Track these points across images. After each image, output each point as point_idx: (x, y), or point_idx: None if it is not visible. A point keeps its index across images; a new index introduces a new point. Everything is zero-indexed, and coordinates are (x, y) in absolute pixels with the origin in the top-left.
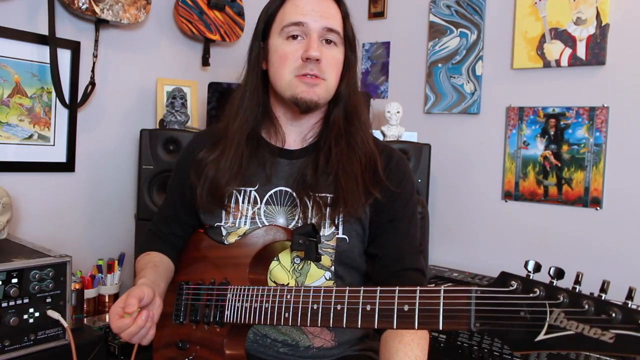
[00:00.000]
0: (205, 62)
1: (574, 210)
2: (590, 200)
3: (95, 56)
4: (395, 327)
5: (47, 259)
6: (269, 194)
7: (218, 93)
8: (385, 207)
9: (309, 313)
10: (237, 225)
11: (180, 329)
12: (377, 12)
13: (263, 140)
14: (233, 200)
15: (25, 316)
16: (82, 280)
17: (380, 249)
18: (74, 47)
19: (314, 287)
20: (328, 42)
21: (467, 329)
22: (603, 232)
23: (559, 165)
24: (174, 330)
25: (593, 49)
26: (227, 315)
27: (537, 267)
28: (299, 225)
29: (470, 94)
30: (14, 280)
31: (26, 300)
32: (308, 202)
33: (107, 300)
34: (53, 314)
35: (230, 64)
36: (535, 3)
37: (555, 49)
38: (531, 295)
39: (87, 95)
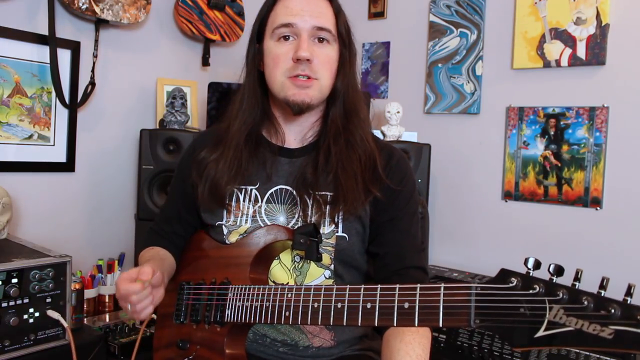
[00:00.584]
0: (205, 62)
1: (574, 210)
2: (590, 200)
3: (95, 56)
4: (395, 324)
5: (47, 259)
6: (269, 192)
7: (218, 93)
8: (385, 206)
9: (310, 311)
10: (238, 223)
11: (181, 329)
12: (377, 12)
13: (264, 139)
14: (234, 199)
15: (25, 316)
16: (82, 280)
17: (381, 248)
18: (74, 47)
19: (314, 285)
20: (320, 40)
21: (467, 325)
22: (603, 232)
23: (559, 165)
24: (174, 331)
25: (593, 49)
26: (227, 314)
27: (537, 265)
28: (299, 223)
29: (470, 94)
30: (14, 280)
31: (26, 300)
32: (308, 200)
33: (107, 300)
34: (53, 314)
35: (230, 64)
36: (535, 3)
37: (555, 49)
38: (531, 291)
39: (87, 95)
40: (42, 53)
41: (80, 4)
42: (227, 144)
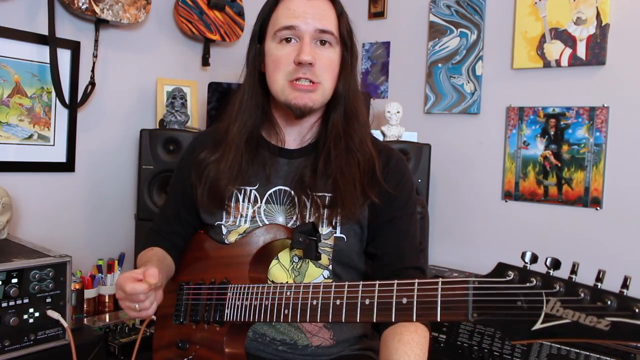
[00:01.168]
0: (205, 62)
1: (574, 210)
2: (590, 200)
3: (95, 56)
4: (393, 319)
5: (47, 259)
6: (268, 192)
7: (218, 93)
8: (383, 208)
9: (309, 309)
10: (237, 223)
11: (180, 329)
12: (377, 12)
13: (263, 140)
14: (233, 199)
15: (25, 316)
16: (82, 280)
17: (379, 249)
18: (74, 47)
19: (313, 283)
20: (322, 43)
21: (465, 319)
22: (603, 232)
23: (559, 165)
24: (174, 331)
25: (593, 49)
26: (227, 314)
27: (534, 258)
28: (297, 224)
29: (470, 94)
30: (14, 280)
31: (26, 300)
32: (306, 202)
33: (107, 300)
34: (53, 314)
35: (230, 64)
36: (535, 3)
37: (555, 49)
38: (528, 285)
39: (87, 95)
40: (42, 53)
41: (80, 4)
42: (227, 146)
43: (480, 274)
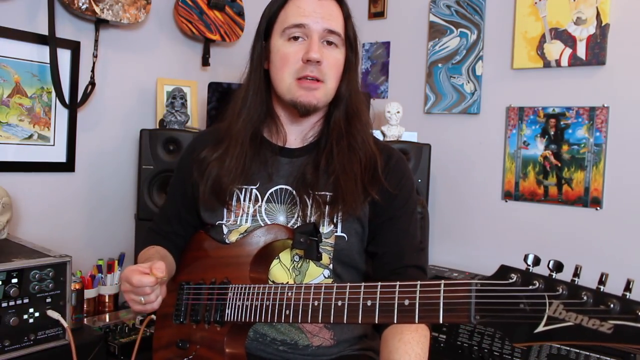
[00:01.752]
0: (205, 62)
1: (574, 210)
2: (590, 200)
3: (95, 56)
4: (395, 321)
5: (47, 259)
6: (269, 191)
7: (218, 93)
8: (384, 206)
9: (310, 310)
10: (238, 223)
11: (181, 329)
12: (377, 12)
13: (265, 139)
14: (234, 198)
15: (25, 316)
16: (82, 280)
17: (380, 247)
18: (74, 47)
19: (314, 284)
20: (329, 43)
21: (467, 321)
22: (603, 232)
23: (559, 165)
24: (174, 331)
25: (593, 49)
26: (227, 314)
27: (537, 261)
28: (299, 222)
29: (470, 94)
30: (14, 280)
31: (26, 300)
32: (307, 200)
33: (107, 300)
34: (53, 314)
35: (230, 64)
36: (535, 3)
37: (555, 49)
38: (530, 287)
39: (87, 95)
40: (42, 53)
41: (80, 4)
42: (231, 142)
43: (480, 274)
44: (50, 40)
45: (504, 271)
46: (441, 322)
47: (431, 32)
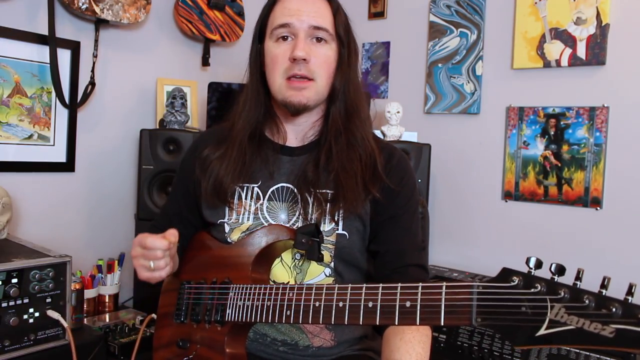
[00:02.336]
0: (205, 62)
1: (574, 210)
2: (590, 200)
3: (95, 56)
4: (397, 323)
5: (47, 259)
6: (271, 190)
7: (218, 93)
8: (385, 205)
9: (311, 311)
10: (240, 221)
11: (181, 329)
12: (377, 12)
13: (266, 137)
14: (236, 196)
15: (25, 316)
16: (82, 280)
17: (381, 246)
18: (74, 47)
19: (315, 284)
20: (319, 40)
21: (469, 324)
22: (603, 232)
23: (559, 165)
24: (174, 330)
25: (593, 49)
26: (228, 314)
27: (539, 264)
28: (300, 220)
29: (470, 94)
30: (14, 280)
31: (26, 300)
32: (309, 198)
33: (107, 300)
34: (53, 314)
35: (230, 64)
36: (535, 3)
37: (555, 49)
38: (532, 290)
39: (87, 95)
40: (42, 53)
41: (80, 4)
42: (231, 143)
43: (480, 274)
44: (50, 40)
45: (506, 274)
46: (442, 324)
47: (431, 32)
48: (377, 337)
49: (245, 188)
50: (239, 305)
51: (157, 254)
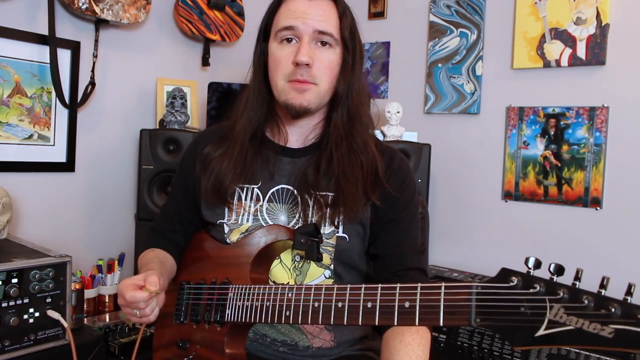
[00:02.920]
0: (205, 62)
1: (574, 210)
2: (590, 200)
3: (95, 56)
4: (396, 323)
5: (47, 259)
6: (271, 191)
7: (218, 93)
8: (386, 209)
9: (310, 311)
10: (239, 222)
11: (181, 329)
12: (377, 12)
13: (267, 138)
14: (236, 197)
15: (25, 316)
16: (82, 280)
17: (381, 249)
18: (74, 47)
19: (315, 285)
20: (323, 44)
21: (468, 324)
22: (603, 232)
23: (559, 165)
24: (174, 330)
25: (593, 49)
26: (227, 314)
27: (538, 264)
28: (300, 222)
29: (470, 94)
30: (14, 280)
31: (26, 300)
32: (309, 200)
33: (107, 300)
34: (53, 314)
35: (230, 64)
36: (535, 3)
37: (555, 49)
38: (531, 290)
39: (87, 95)
40: (42, 53)
41: (80, 4)
42: (232, 141)
43: (480, 274)
44: (50, 40)
45: (505, 274)
46: (441, 324)
47: (431, 32)
48: (377, 337)
49: (245, 189)
50: (239, 306)
51: (140, 305)
